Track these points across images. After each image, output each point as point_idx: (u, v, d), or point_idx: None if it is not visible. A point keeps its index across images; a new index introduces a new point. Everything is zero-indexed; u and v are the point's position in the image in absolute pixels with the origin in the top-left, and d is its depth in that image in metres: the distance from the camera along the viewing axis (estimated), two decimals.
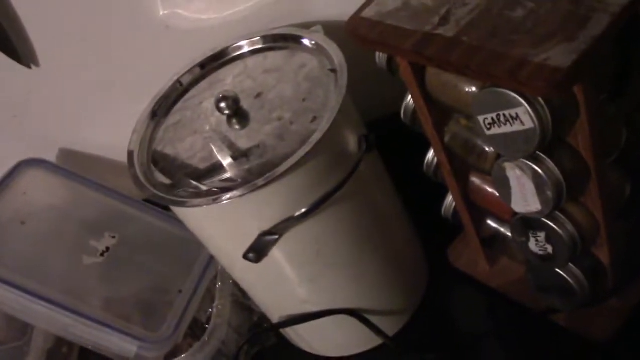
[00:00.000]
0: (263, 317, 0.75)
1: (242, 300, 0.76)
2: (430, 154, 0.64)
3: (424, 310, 0.71)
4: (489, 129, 0.47)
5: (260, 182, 0.53)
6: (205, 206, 0.55)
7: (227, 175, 0.58)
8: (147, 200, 0.82)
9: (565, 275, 0.57)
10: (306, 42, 0.65)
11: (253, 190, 0.53)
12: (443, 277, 0.73)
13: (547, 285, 0.60)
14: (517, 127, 0.45)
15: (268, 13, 0.74)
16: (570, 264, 0.57)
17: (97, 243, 0.75)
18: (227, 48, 0.69)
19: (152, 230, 0.81)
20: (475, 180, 0.61)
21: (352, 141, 0.58)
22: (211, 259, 0.78)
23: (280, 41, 0.67)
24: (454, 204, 0.66)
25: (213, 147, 0.60)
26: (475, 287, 0.71)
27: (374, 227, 0.65)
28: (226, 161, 0.59)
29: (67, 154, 0.90)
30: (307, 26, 0.67)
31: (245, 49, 0.69)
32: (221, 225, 0.59)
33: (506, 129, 0.46)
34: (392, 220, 0.69)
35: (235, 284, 0.75)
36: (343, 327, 0.67)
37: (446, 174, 0.62)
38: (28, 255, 0.71)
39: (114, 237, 0.76)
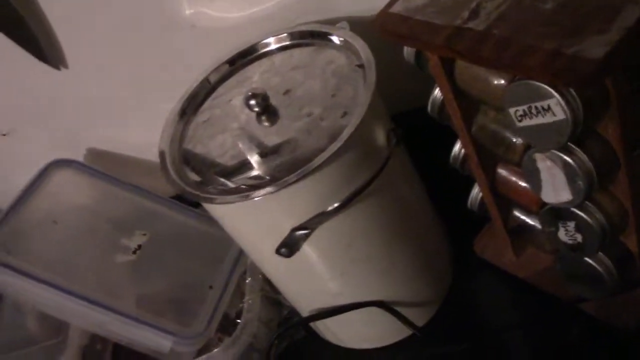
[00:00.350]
0: (292, 311, 0.76)
1: (271, 295, 0.76)
2: (457, 146, 0.64)
3: (452, 302, 0.72)
4: (520, 121, 0.48)
5: (292, 178, 0.53)
6: (238, 203, 0.55)
7: (257, 172, 0.58)
8: (175, 197, 0.83)
9: (594, 264, 0.57)
10: (333, 38, 0.65)
11: (286, 186, 0.53)
12: (470, 268, 0.74)
13: (576, 274, 0.60)
14: (548, 118, 0.45)
15: (293, 10, 0.74)
16: (600, 253, 0.57)
17: (128, 241, 0.76)
18: (254, 45, 0.69)
19: (181, 227, 0.82)
20: (503, 171, 0.62)
21: (381, 135, 0.59)
22: (240, 254, 0.78)
23: (306, 38, 0.67)
24: (480, 195, 0.66)
25: (242, 145, 0.61)
26: (502, 277, 0.71)
27: (403, 220, 0.65)
28: (256, 158, 0.59)
29: (96, 154, 0.91)
30: (332, 22, 0.67)
31: (272, 46, 0.69)
32: (254, 221, 0.59)
33: (538, 120, 0.46)
34: (419, 213, 0.69)
35: (265, 279, 0.75)
36: (372, 319, 0.68)
37: (474, 166, 0.62)
38: (61, 254, 0.72)
39: (144, 235, 0.77)
